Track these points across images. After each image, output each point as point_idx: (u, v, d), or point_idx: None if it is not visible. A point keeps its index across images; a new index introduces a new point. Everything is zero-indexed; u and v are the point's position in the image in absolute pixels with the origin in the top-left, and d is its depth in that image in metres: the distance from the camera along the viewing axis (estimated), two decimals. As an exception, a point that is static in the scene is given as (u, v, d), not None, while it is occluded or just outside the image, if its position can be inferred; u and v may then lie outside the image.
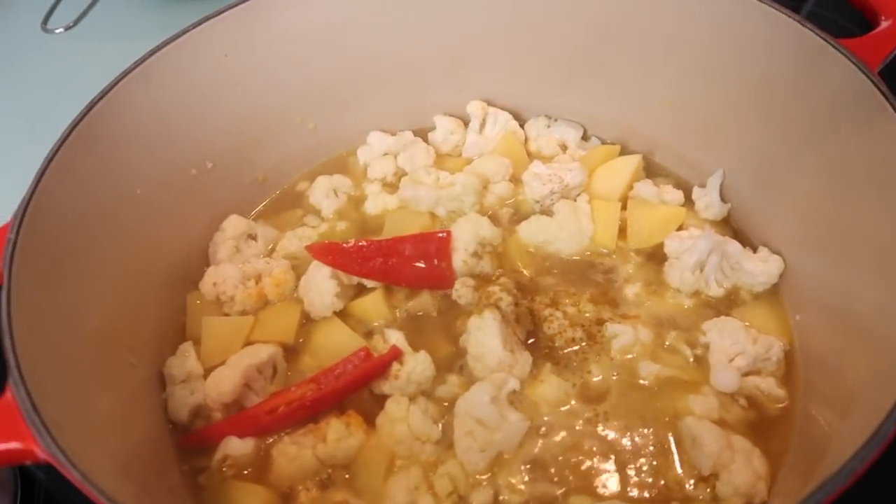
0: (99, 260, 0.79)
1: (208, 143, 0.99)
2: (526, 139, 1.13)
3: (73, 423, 0.60)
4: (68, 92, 1.38)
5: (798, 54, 0.82)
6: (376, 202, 1.07)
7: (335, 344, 0.89)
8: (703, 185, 1.02)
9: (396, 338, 0.86)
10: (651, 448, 0.79)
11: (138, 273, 0.88)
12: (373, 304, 0.93)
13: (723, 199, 1.00)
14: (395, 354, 0.84)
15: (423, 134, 1.16)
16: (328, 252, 0.93)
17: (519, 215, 1.04)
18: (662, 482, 0.77)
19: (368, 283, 0.95)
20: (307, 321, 0.93)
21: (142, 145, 0.89)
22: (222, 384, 0.83)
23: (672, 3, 0.93)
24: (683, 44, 0.95)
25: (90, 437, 0.62)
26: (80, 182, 0.78)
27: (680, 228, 0.98)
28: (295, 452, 0.78)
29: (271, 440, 0.81)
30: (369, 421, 0.82)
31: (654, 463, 0.78)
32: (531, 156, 1.11)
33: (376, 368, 0.83)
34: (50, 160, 0.75)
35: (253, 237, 1.03)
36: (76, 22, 1.38)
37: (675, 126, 1.03)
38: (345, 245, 0.94)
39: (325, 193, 1.08)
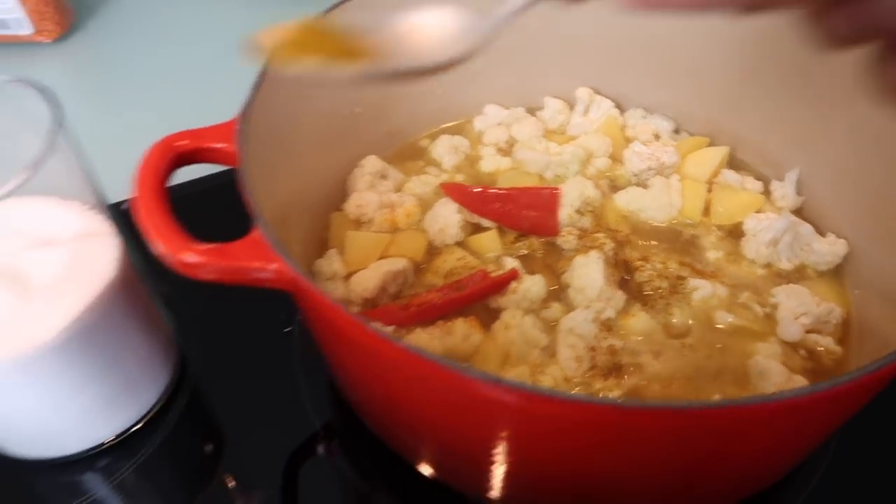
0: (284, 159, 0.95)
1: (362, 91, 1.16)
2: (624, 126, 1.29)
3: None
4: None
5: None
6: (491, 162, 1.23)
7: (457, 266, 1.05)
8: (780, 180, 1.17)
9: (514, 263, 1.02)
10: (727, 376, 0.93)
11: (301, 184, 1.04)
12: (488, 240, 1.09)
13: (798, 192, 1.15)
14: (514, 275, 0.99)
15: (532, 112, 1.33)
16: (458, 191, 1.10)
17: (615, 186, 1.19)
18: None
19: (485, 223, 1.11)
20: (431, 248, 1.09)
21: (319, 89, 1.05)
22: (367, 282, 0.99)
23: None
24: (786, 55, 1.10)
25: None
26: (281, 97, 0.94)
27: (757, 213, 1.13)
28: (426, 341, 0.94)
29: (405, 331, 0.97)
30: (485, 327, 0.97)
31: (727, 390, 0.92)
32: (627, 140, 1.26)
33: (496, 285, 0.98)
34: (262, 76, 0.91)
35: (384, 177, 1.19)
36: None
37: (762, 127, 1.19)
38: (471, 189, 1.11)
39: (446, 150, 1.24)
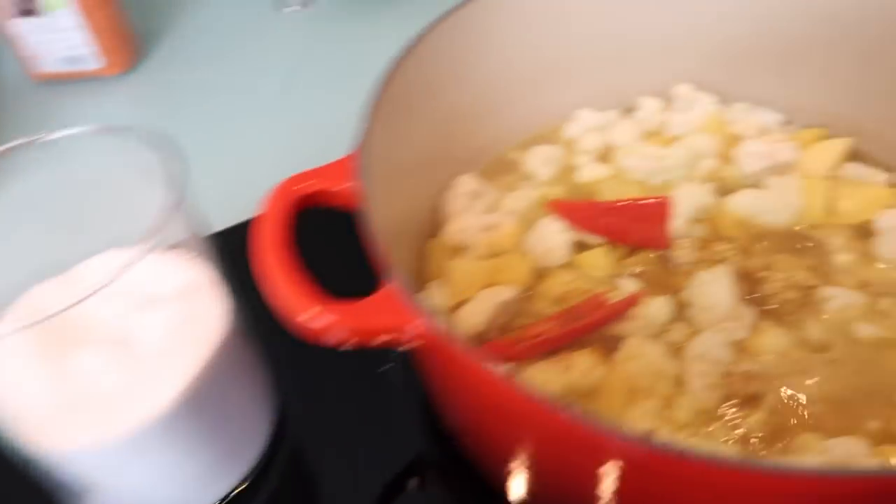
0: (389, 193, 0.88)
1: (455, 112, 1.10)
2: (728, 122, 1.21)
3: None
4: (306, 65, 1.54)
5: None
6: (588, 171, 1.16)
7: (567, 290, 0.99)
8: (911, 169, 1.08)
9: (629, 283, 0.96)
10: (880, 396, 0.85)
11: (400, 216, 0.99)
12: (598, 258, 1.02)
13: (932, 182, 1.05)
14: (633, 301, 0.93)
15: (626, 114, 1.25)
16: (566, 208, 1.04)
17: (725, 189, 1.11)
18: (885, 427, 0.83)
19: (591, 239, 1.05)
20: (536, 271, 1.03)
21: (421, 106, 1.00)
22: (475, 316, 0.94)
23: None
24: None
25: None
26: (393, 122, 0.88)
27: (888, 208, 1.04)
28: (542, 379, 0.89)
29: (516, 368, 0.92)
30: (605, 358, 0.91)
31: (884, 411, 0.84)
32: (734, 138, 1.18)
33: (617, 312, 0.92)
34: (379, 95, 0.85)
35: (479, 195, 1.14)
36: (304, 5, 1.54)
37: (887, 114, 1.09)
38: (580, 204, 1.05)
39: (541, 161, 1.18)
